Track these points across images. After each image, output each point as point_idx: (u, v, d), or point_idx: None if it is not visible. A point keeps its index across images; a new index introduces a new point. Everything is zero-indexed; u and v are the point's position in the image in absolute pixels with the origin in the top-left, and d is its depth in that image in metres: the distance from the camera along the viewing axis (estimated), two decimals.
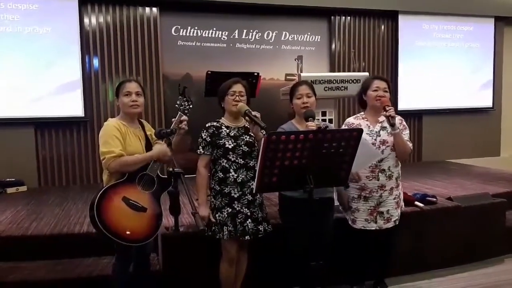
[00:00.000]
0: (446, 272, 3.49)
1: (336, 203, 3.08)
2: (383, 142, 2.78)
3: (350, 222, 2.90)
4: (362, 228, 2.83)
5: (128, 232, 2.27)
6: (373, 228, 2.81)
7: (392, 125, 2.65)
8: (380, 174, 2.78)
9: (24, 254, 3.15)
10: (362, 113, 2.94)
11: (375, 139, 2.79)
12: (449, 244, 3.55)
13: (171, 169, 2.51)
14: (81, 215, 3.72)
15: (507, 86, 7.35)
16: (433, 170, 5.81)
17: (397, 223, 2.88)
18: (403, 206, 3.09)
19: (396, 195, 2.85)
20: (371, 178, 2.79)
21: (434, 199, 3.66)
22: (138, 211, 2.33)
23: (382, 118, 2.79)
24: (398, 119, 2.83)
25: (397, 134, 2.71)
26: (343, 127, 2.96)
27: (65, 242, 3.23)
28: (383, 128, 2.80)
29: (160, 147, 2.43)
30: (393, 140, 2.75)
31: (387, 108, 2.65)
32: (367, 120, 2.87)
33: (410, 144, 2.81)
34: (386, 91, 2.78)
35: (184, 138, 2.54)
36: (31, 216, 3.76)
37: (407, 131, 2.84)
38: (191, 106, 2.54)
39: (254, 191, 2.53)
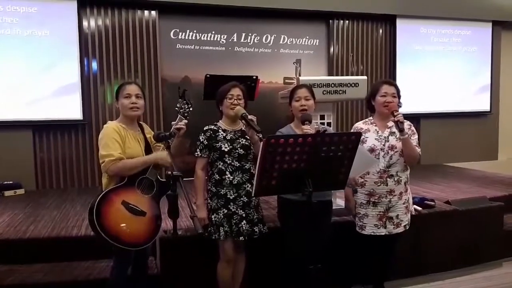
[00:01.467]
0: (444, 276, 3.49)
1: (336, 206, 3.08)
2: (392, 147, 2.76)
3: (358, 229, 2.87)
4: (372, 234, 2.80)
5: (134, 234, 2.28)
6: (383, 234, 2.79)
7: (401, 130, 2.63)
8: (388, 179, 2.76)
9: (21, 257, 3.14)
10: (371, 117, 2.92)
11: (384, 144, 2.77)
12: (447, 248, 3.56)
13: (169, 172, 2.50)
14: (79, 218, 3.71)
15: (504, 89, 7.38)
16: (431, 174, 5.82)
17: (407, 228, 2.86)
18: (413, 210, 3.07)
19: (405, 199, 2.83)
20: (379, 184, 2.77)
21: (432, 203, 3.67)
22: (137, 215, 2.33)
23: (390, 123, 2.77)
24: (407, 124, 2.81)
25: (406, 140, 2.68)
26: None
27: (63, 245, 3.22)
28: (391, 133, 2.78)
29: (160, 153, 2.42)
30: (402, 146, 2.72)
31: (395, 114, 2.63)
32: (375, 125, 2.85)
33: (419, 149, 2.78)
34: (394, 96, 2.75)
35: (183, 141, 2.54)
36: (28, 219, 3.75)
37: (416, 136, 2.82)
38: (191, 109, 2.54)
39: (252, 195, 2.53)
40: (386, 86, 2.79)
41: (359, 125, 2.93)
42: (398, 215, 2.80)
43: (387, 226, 2.79)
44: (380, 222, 2.79)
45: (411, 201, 2.97)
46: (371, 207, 2.80)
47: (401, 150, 2.74)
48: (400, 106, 2.84)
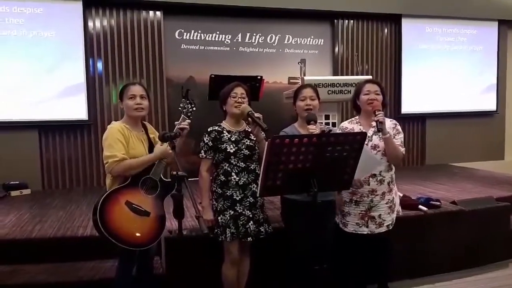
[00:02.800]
0: (450, 277, 3.47)
1: None
2: (375, 146, 2.77)
3: (341, 225, 2.88)
4: (354, 232, 2.80)
5: (138, 234, 2.29)
6: (365, 233, 2.78)
7: (380, 130, 2.64)
8: (370, 178, 2.75)
9: (27, 257, 3.15)
10: (357, 117, 2.93)
11: (367, 144, 2.75)
12: (453, 248, 3.54)
13: (174, 172, 2.51)
14: (85, 218, 3.73)
15: (511, 89, 7.33)
16: (436, 174, 5.79)
17: (391, 228, 2.84)
18: (400, 211, 3.05)
19: (389, 199, 2.81)
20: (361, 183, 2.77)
21: (438, 203, 3.65)
22: (141, 215, 2.33)
23: (375, 123, 2.78)
24: (392, 123, 2.82)
25: (387, 139, 2.68)
26: (337, 131, 2.94)
27: (69, 245, 3.24)
28: (375, 132, 2.77)
29: (161, 148, 2.43)
30: (384, 145, 2.72)
31: (377, 113, 2.64)
32: (360, 125, 2.85)
33: (403, 149, 2.77)
34: (377, 94, 2.76)
35: (186, 141, 2.55)
36: (35, 219, 3.77)
37: (401, 136, 2.81)
38: (194, 109, 2.54)
39: (258, 195, 2.53)
40: (368, 84, 2.81)
41: (345, 124, 2.94)
42: (380, 214, 2.78)
43: (369, 226, 2.78)
44: (362, 221, 2.79)
45: (397, 201, 2.94)
46: (353, 206, 2.80)
47: (384, 149, 2.74)
48: (386, 104, 2.84)
